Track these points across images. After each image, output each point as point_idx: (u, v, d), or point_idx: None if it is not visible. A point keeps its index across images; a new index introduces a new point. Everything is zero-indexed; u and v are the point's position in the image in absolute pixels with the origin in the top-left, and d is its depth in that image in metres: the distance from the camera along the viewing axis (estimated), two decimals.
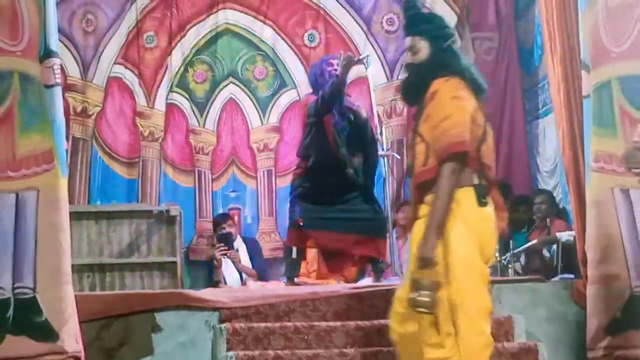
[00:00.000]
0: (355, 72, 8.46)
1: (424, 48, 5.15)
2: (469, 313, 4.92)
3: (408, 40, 5.21)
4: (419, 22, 5.26)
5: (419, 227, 5.01)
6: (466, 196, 4.98)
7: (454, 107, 4.97)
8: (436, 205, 4.89)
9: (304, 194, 7.95)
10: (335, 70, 7.90)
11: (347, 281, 8.32)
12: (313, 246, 8.22)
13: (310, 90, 8.16)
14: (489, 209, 5.09)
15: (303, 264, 8.41)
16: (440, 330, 4.92)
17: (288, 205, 8.38)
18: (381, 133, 8.05)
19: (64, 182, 6.22)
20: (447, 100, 4.98)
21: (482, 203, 5.02)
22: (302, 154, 8.04)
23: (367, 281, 8.28)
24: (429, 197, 4.98)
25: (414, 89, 5.17)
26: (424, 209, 5.01)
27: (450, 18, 10.26)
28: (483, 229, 5.03)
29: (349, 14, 10.44)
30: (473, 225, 4.97)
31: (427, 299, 4.83)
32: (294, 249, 8.18)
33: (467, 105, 5.01)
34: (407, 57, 5.19)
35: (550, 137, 9.61)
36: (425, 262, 4.84)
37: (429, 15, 5.48)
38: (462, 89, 5.04)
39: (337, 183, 7.87)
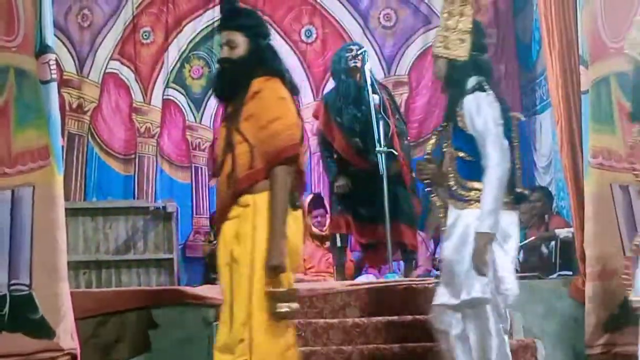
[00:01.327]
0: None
1: (242, 44, 4.87)
2: (264, 317, 4.62)
3: (225, 35, 4.91)
4: (238, 16, 5.00)
5: (230, 229, 4.75)
6: (265, 201, 4.70)
7: (283, 109, 4.76)
8: (277, 211, 4.64)
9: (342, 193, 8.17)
10: (355, 56, 8.06)
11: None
12: (350, 233, 8.33)
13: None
14: (299, 213, 4.86)
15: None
16: (234, 332, 4.65)
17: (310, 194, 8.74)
18: (378, 129, 8.01)
19: (59, 179, 6.21)
20: (274, 100, 4.76)
21: (295, 206, 4.80)
22: (334, 183, 8.23)
23: (365, 278, 8.28)
24: (244, 199, 4.72)
25: (230, 85, 4.89)
26: (236, 210, 4.74)
27: None
28: (294, 234, 4.78)
29: (346, 9, 10.42)
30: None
31: (286, 310, 4.62)
32: (338, 237, 8.27)
33: (293, 107, 4.83)
34: (223, 52, 4.90)
35: (546, 133, 9.60)
36: (277, 270, 4.60)
37: (249, 10, 5.23)
38: (284, 90, 4.83)
39: (370, 178, 7.93)
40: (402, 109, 10.17)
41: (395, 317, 6.65)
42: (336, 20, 10.39)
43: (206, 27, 10.33)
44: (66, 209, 6.30)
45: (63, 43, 10.07)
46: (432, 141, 5.66)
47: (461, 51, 5.44)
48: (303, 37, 10.42)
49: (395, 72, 10.33)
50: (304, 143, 4.86)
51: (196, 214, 10.16)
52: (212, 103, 10.30)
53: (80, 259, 8.47)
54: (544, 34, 7.06)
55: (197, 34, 10.34)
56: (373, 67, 8.74)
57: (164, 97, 10.27)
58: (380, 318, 6.65)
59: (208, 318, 6.52)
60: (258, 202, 4.69)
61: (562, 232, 8.09)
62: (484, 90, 5.38)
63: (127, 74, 10.29)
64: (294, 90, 4.90)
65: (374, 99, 8.04)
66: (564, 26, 6.87)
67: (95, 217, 8.71)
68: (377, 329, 6.54)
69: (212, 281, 8.85)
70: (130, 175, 10.19)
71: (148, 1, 10.28)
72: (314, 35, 10.38)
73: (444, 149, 5.54)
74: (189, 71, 10.37)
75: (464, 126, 5.34)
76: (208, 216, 9.96)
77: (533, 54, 9.95)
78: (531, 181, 10.00)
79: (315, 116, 8.48)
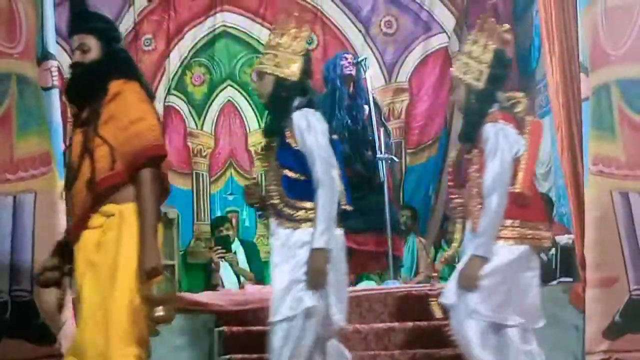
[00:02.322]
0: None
1: (95, 47, 4.75)
2: (122, 326, 4.45)
3: (77, 39, 4.77)
4: (88, 20, 4.91)
5: (91, 237, 4.56)
6: (132, 211, 4.54)
7: (145, 110, 4.64)
8: (146, 214, 4.47)
9: None
10: (349, 64, 8.09)
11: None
12: None
13: None
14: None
15: None
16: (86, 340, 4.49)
17: None
18: (378, 136, 8.02)
19: (61, 185, 6.21)
20: (135, 102, 4.63)
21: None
22: None
23: (365, 284, 8.27)
24: (108, 207, 4.54)
25: (85, 89, 4.72)
26: (98, 219, 4.56)
27: (448, 20, 10.27)
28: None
29: (347, 16, 10.42)
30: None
31: (162, 314, 4.48)
32: None
33: (154, 110, 4.73)
34: (75, 56, 4.76)
35: (545, 140, 9.60)
36: (153, 272, 4.43)
37: (99, 14, 5.15)
38: (144, 93, 4.72)
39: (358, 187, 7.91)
40: (402, 116, 10.21)
41: (395, 324, 6.66)
42: (337, 27, 10.40)
43: (207, 34, 10.33)
44: (67, 216, 6.31)
45: (65, 50, 10.06)
46: (259, 163, 5.60)
47: (290, 71, 5.35)
48: None
49: (396, 79, 10.33)
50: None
51: (197, 221, 10.16)
52: (214, 110, 10.31)
53: None
54: (545, 40, 7.06)
55: (199, 40, 10.34)
56: (374, 75, 8.75)
57: (165, 103, 10.27)
58: (380, 324, 6.65)
59: (208, 324, 6.53)
60: (125, 212, 4.52)
61: (562, 239, 8.09)
62: (312, 107, 5.31)
63: None
64: (150, 94, 4.80)
65: (364, 109, 8.07)
66: (564, 33, 6.88)
67: None
68: (377, 335, 6.54)
69: (213, 287, 8.86)
70: None
71: (150, 8, 10.29)
72: (315, 42, 10.38)
73: (265, 167, 5.44)
74: (190, 78, 10.37)
75: (293, 142, 5.24)
76: (209, 223, 9.97)
77: (532, 61, 9.95)
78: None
79: None
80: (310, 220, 5.16)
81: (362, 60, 8.30)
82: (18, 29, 6.26)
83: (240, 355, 6.24)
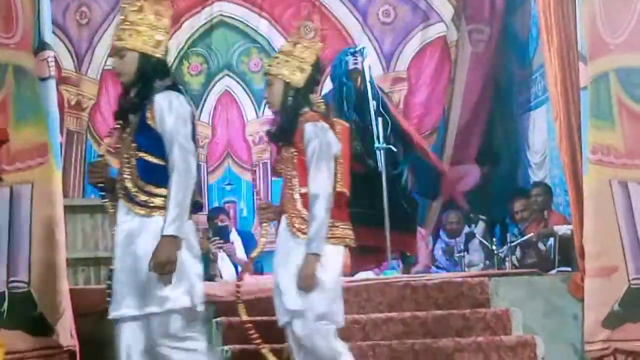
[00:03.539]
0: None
1: None
2: None
3: None
4: None
5: None
6: None
7: None
8: None
9: None
10: (355, 58, 8.10)
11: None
12: None
13: None
14: None
15: None
16: None
17: None
18: (377, 125, 8.01)
19: (58, 176, 6.21)
20: None
21: None
22: None
23: (363, 275, 8.27)
24: None
25: None
26: None
27: (447, 9, 10.25)
28: None
29: (345, 5, 10.40)
30: None
31: None
32: None
33: None
34: None
35: (540, 129, 9.61)
36: None
37: None
38: None
39: (368, 182, 7.91)
40: (401, 106, 10.19)
41: (394, 314, 6.65)
42: (335, 17, 10.37)
43: (204, 23, 10.32)
44: (65, 206, 6.30)
45: (61, 40, 10.05)
46: (108, 140, 5.20)
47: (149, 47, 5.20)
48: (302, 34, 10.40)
49: (395, 68, 10.32)
50: None
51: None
52: (211, 100, 10.30)
53: (79, 256, 8.42)
54: (543, 30, 7.05)
55: (196, 30, 10.33)
56: (372, 64, 8.73)
57: None
58: (379, 314, 6.65)
59: (207, 315, 6.52)
60: None
61: (561, 229, 8.10)
62: (178, 90, 5.06)
63: None
64: None
65: (373, 103, 8.05)
66: (562, 22, 6.86)
67: (94, 214, 8.66)
68: (376, 325, 6.54)
69: (211, 278, 8.85)
70: None
71: None
72: (313, 32, 10.35)
73: (119, 148, 5.07)
74: (188, 68, 10.36)
75: (153, 124, 4.89)
76: (206, 213, 9.95)
77: (530, 50, 9.94)
78: (525, 178, 10.01)
79: None
80: (163, 208, 4.84)
81: (360, 49, 8.29)
82: (15, 19, 6.24)
83: (238, 346, 6.23)
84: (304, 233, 5.21)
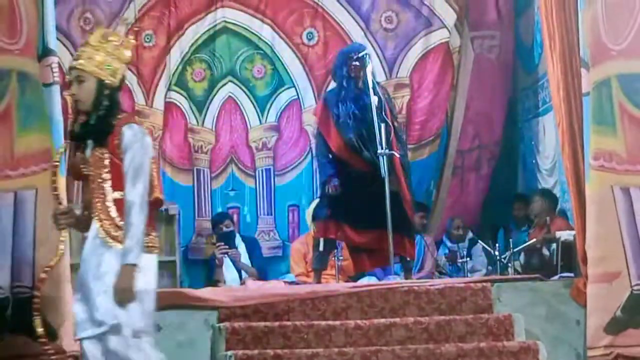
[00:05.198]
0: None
1: None
2: None
3: None
4: None
5: None
6: None
7: None
8: None
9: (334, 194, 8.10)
10: (358, 57, 8.12)
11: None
12: (340, 239, 8.25)
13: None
14: None
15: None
16: None
17: (317, 199, 8.65)
18: (380, 131, 8.02)
19: (62, 181, 6.21)
20: None
21: None
22: (327, 180, 8.17)
23: (366, 280, 8.28)
24: None
25: None
26: None
27: (449, 15, 10.26)
28: None
29: (348, 12, 10.41)
30: None
31: None
32: (321, 242, 8.20)
33: None
34: None
35: (550, 135, 9.60)
36: None
37: None
38: None
39: (368, 181, 7.93)
40: (403, 112, 10.19)
41: (397, 319, 6.66)
42: (338, 23, 10.38)
43: (208, 30, 10.33)
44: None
45: (65, 46, 10.05)
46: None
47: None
48: (304, 40, 10.42)
49: (397, 74, 10.32)
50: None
51: (198, 217, 10.15)
52: (214, 106, 10.31)
53: None
54: (545, 36, 7.06)
55: (199, 36, 10.33)
56: (374, 70, 8.75)
57: (166, 100, 10.27)
58: (382, 320, 6.65)
59: (210, 320, 6.53)
60: None
61: (564, 234, 8.10)
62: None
63: (129, 77, 10.26)
64: None
65: (374, 100, 8.05)
66: (564, 28, 6.87)
67: None
68: (378, 331, 6.54)
69: (214, 283, 8.87)
70: None
71: (150, 4, 10.28)
72: (316, 38, 10.38)
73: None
74: (191, 74, 10.37)
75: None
76: (210, 218, 9.97)
77: (535, 56, 9.96)
78: (534, 183, 10.02)
79: (315, 114, 8.51)
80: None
81: (363, 54, 8.30)
82: (19, 25, 6.25)
83: (242, 351, 6.24)
84: (119, 241, 4.93)
